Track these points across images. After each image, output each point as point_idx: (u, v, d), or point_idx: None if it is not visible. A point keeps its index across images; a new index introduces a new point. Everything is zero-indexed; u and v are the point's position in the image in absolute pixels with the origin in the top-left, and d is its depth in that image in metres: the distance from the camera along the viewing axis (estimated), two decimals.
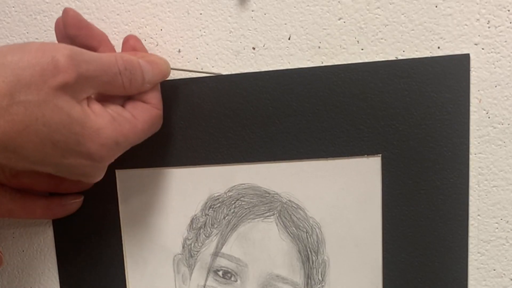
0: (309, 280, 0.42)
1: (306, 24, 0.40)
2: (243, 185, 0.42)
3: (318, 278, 0.42)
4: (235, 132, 0.41)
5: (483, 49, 0.38)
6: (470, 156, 0.39)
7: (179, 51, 0.41)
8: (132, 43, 0.40)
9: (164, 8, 0.41)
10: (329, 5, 0.39)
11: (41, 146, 0.33)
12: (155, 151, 0.42)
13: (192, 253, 0.43)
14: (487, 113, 0.39)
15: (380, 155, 0.40)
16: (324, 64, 0.40)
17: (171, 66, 0.40)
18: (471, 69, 0.38)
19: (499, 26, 0.38)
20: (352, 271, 0.41)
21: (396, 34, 0.39)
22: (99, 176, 0.37)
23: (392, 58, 0.39)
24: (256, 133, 0.41)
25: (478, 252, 0.40)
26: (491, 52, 0.38)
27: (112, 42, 0.42)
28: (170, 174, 0.42)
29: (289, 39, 0.40)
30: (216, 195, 0.42)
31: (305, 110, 0.40)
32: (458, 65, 0.38)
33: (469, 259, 0.40)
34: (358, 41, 0.39)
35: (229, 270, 0.42)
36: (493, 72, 0.38)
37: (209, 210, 0.42)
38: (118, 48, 0.42)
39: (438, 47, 0.38)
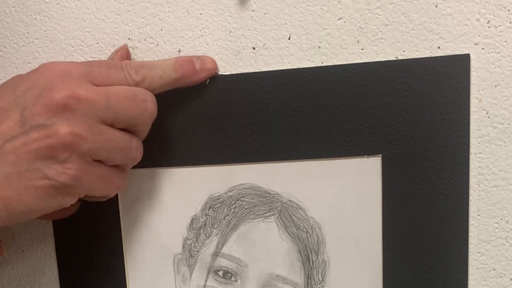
0: (309, 280, 0.42)
1: (306, 24, 0.40)
2: (243, 185, 0.42)
3: (318, 278, 0.42)
4: (235, 132, 0.41)
5: (483, 49, 0.38)
6: (470, 156, 0.39)
7: (179, 51, 0.41)
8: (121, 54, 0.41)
9: (164, 8, 0.41)
10: (329, 5, 0.39)
11: None
12: (155, 151, 0.42)
13: (192, 253, 0.43)
14: (487, 113, 0.39)
15: (380, 155, 0.40)
16: (324, 64, 0.40)
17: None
18: (471, 69, 0.38)
19: (499, 26, 0.38)
20: (352, 271, 0.41)
21: (396, 34, 0.39)
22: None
23: (392, 58, 0.39)
24: (256, 133, 0.41)
25: (478, 252, 0.40)
26: (491, 52, 0.38)
27: (112, 42, 0.42)
28: (170, 174, 0.42)
29: (289, 39, 0.40)
30: (216, 195, 0.42)
31: (305, 110, 0.40)
32: (458, 65, 0.38)
33: (469, 259, 0.40)
34: (358, 41, 0.39)
35: (229, 270, 0.42)
36: (493, 72, 0.38)
37: (209, 210, 0.42)
38: (116, 47, 0.42)
39: (438, 47, 0.38)
